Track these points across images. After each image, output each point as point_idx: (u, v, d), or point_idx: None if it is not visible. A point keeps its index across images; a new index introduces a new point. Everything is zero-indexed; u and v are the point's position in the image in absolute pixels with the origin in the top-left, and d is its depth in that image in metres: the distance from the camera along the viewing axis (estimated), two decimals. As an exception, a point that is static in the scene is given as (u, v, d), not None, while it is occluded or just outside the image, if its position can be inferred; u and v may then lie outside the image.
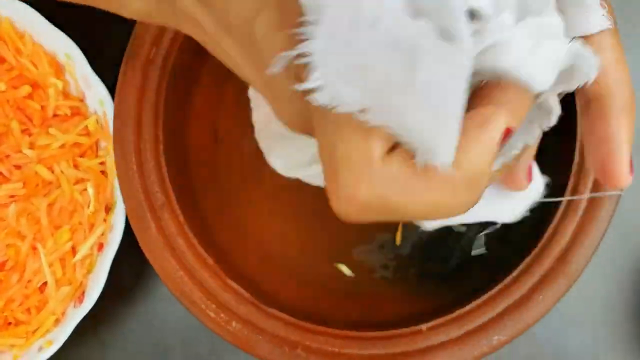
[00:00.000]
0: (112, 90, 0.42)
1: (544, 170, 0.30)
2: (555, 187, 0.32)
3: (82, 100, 0.45)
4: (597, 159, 0.22)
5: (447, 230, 0.41)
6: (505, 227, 0.33)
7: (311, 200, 0.36)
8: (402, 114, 0.17)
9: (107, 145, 0.44)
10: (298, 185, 0.36)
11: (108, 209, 0.43)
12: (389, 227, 0.43)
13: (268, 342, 0.35)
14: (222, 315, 0.35)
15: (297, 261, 0.42)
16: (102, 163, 0.44)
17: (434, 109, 0.17)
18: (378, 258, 0.42)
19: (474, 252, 0.40)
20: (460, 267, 0.41)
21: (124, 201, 0.37)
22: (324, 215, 0.36)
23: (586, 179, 0.34)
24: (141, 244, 0.36)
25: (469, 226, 0.41)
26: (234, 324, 0.35)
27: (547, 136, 0.26)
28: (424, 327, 0.34)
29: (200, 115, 0.41)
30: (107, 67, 0.42)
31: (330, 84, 0.17)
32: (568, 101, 0.25)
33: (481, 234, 0.41)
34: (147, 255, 0.36)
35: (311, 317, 0.35)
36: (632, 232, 0.44)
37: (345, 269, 0.42)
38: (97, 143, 0.45)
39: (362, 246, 0.42)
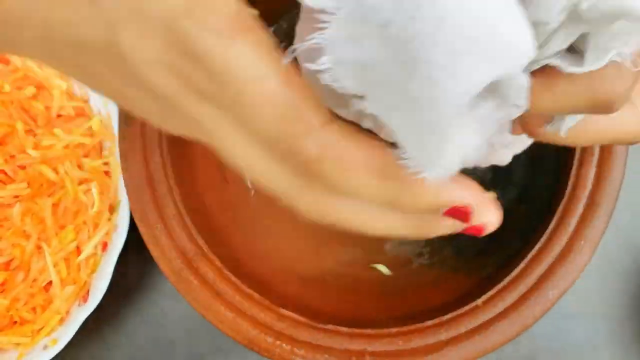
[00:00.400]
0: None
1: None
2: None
3: (86, 101, 0.45)
4: None
5: None
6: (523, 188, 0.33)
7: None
8: (393, 114, 0.18)
9: (110, 146, 0.44)
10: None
11: (112, 209, 0.44)
12: None
13: (337, 357, 0.35)
14: (283, 345, 0.35)
15: (335, 273, 0.42)
16: (105, 163, 0.44)
17: (420, 122, 0.17)
18: (411, 248, 0.43)
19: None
20: (492, 235, 0.41)
21: (160, 266, 0.36)
22: None
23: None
24: (188, 300, 0.36)
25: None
26: (296, 350, 0.35)
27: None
28: (479, 301, 0.35)
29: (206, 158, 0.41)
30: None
31: (335, 69, 0.17)
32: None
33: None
34: (196, 307, 0.36)
35: (362, 322, 0.36)
36: (631, 226, 0.45)
37: (382, 268, 0.43)
38: (101, 143, 0.45)
39: (391, 241, 0.43)
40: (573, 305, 0.45)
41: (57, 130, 0.44)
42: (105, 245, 0.44)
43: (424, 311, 0.36)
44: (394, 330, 0.35)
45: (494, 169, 0.39)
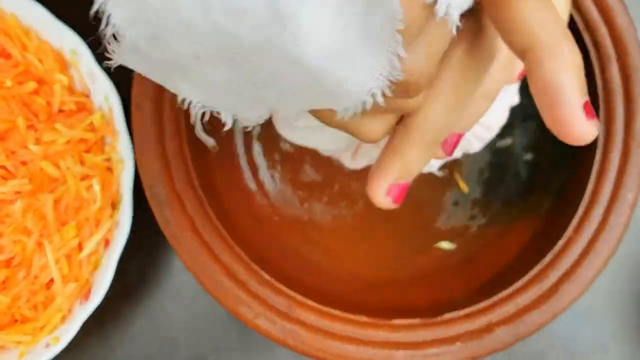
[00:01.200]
0: (117, 86, 0.42)
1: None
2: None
3: (87, 96, 0.44)
4: (546, 115, 0.20)
5: (493, 151, 0.42)
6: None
7: (374, 209, 0.37)
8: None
9: (112, 141, 0.43)
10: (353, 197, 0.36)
11: (114, 206, 0.43)
12: (446, 186, 0.43)
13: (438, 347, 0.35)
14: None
15: (398, 267, 0.43)
16: (107, 159, 0.44)
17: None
18: (462, 215, 0.43)
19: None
20: (532, 174, 0.41)
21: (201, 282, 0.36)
22: (391, 217, 0.39)
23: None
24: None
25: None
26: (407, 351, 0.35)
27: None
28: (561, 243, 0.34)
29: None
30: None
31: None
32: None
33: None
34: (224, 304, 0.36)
35: (445, 306, 0.36)
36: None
37: (445, 244, 0.43)
38: (102, 139, 0.45)
39: (440, 216, 0.43)
40: (584, 303, 0.44)
41: (58, 125, 0.43)
42: (107, 243, 0.44)
43: (501, 273, 0.37)
44: (481, 305, 0.35)
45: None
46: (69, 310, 0.43)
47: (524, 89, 0.40)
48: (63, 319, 0.43)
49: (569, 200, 0.37)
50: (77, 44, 0.42)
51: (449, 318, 0.35)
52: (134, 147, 0.38)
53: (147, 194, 0.36)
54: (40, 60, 0.44)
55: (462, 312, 0.35)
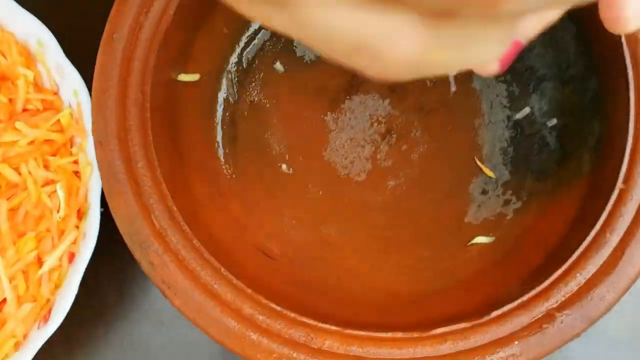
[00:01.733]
0: (86, 80, 0.37)
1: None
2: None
3: (55, 93, 0.40)
4: None
5: (512, 125, 0.38)
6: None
7: (392, 216, 0.37)
8: None
9: (81, 142, 0.38)
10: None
11: (81, 215, 0.37)
12: (469, 174, 0.38)
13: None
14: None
15: (430, 273, 0.38)
16: (75, 162, 0.38)
17: None
18: (494, 203, 0.38)
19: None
20: (561, 138, 0.37)
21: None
22: (413, 219, 0.38)
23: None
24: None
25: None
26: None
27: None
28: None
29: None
30: (82, 56, 0.37)
31: None
32: None
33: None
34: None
35: (499, 301, 0.30)
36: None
37: (483, 239, 0.38)
38: (71, 140, 0.39)
39: (469, 209, 0.38)
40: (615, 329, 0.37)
41: (19, 125, 0.38)
42: (71, 257, 0.37)
43: (551, 254, 0.32)
44: (533, 293, 0.30)
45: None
46: (24, 336, 0.36)
47: (528, 52, 0.37)
48: (17, 345, 0.36)
49: (610, 152, 0.31)
50: (44, 35, 0.38)
51: (500, 314, 0.28)
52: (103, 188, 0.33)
53: (126, 238, 0.30)
54: (2, 54, 0.39)
55: (513, 305, 0.29)
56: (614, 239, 0.29)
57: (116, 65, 0.32)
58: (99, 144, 0.30)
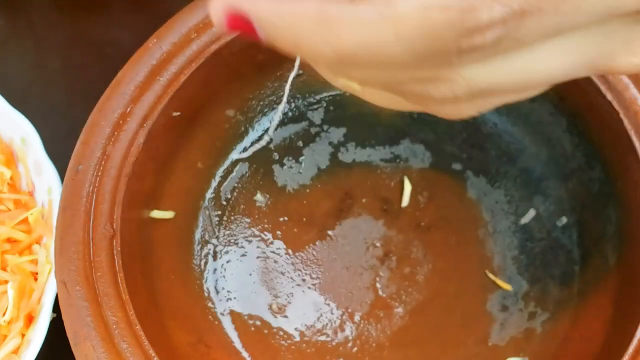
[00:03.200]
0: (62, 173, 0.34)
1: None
2: None
3: (31, 194, 0.37)
4: None
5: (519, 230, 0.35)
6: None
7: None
8: None
9: (47, 241, 0.34)
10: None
11: (29, 320, 0.32)
12: (484, 291, 0.34)
13: None
14: None
15: None
16: (33, 262, 0.34)
17: None
18: (518, 318, 0.34)
19: None
20: (577, 236, 0.34)
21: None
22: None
23: None
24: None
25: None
26: None
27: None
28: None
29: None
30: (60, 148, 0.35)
31: None
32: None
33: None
34: None
35: None
36: None
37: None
38: (38, 240, 0.35)
39: (492, 330, 0.34)
40: None
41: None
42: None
43: None
44: None
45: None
46: None
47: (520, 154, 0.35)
48: None
49: (635, 234, 0.28)
50: (29, 133, 0.37)
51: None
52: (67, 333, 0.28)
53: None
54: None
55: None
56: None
57: (82, 199, 0.28)
58: (62, 285, 0.26)
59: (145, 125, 0.31)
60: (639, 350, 0.26)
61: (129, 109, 0.31)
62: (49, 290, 0.31)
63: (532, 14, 0.13)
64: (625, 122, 0.29)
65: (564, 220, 0.34)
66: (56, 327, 0.30)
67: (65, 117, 0.42)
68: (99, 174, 0.29)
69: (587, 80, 0.30)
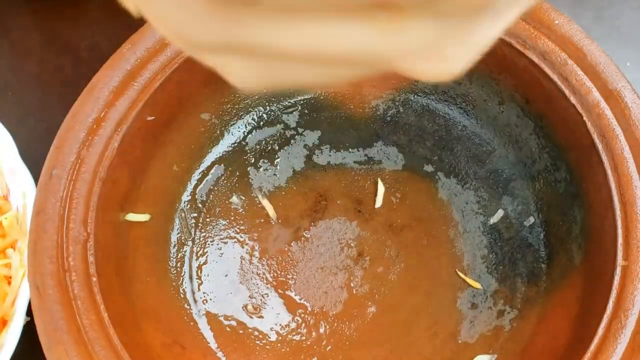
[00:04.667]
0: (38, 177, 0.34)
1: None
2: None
3: (6, 198, 0.37)
4: None
5: (488, 231, 0.32)
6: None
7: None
8: None
9: (22, 245, 0.34)
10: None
11: (3, 324, 0.32)
12: (454, 289, 0.35)
13: None
14: None
15: None
16: (7, 265, 0.34)
17: None
18: (487, 316, 0.34)
19: None
20: (544, 235, 0.31)
21: None
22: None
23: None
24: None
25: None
26: None
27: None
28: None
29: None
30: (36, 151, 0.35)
31: None
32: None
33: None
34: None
35: None
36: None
37: (484, 359, 0.33)
38: (13, 245, 0.35)
39: (462, 327, 0.34)
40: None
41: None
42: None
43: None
44: None
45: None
46: None
47: (489, 155, 0.36)
48: None
49: (599, 233, 0.29)
50: (4, 137, 0.37)
51: None
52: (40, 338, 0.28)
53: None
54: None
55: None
56: (630, 321, 0.26)
57: (56, 203, 0.29)
58: (35, 288, 0.26)
59: (119, 129, 0.31)
60: (601, 346, 0.27)
61: (103, 114, 0.31)
62: (23, 294, 0.32)
63: None
64: (589, 124, 0.30)
65: (532, 220, 0.35)
66: (30, 331, 0.30)
67: (42, 121, 0.42)
68: (73, 178, 0.29)
69: (552, 84, 0.31)
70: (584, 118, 0.30)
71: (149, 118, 0.33)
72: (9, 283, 0.34)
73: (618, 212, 0.28)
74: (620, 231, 0.27)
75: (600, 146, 0.29)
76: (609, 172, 0.28)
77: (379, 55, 0.12)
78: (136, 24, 0.36)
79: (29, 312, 0.30)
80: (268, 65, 0.13)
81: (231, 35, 0.12)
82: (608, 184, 0.28)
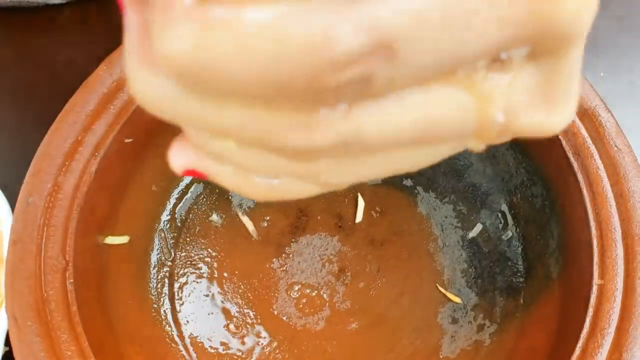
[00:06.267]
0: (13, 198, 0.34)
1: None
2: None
3: None
4: None
5: (467, 245, 0.33)
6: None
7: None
8: None
9: None
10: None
11: None
12: (434, 304, 0.35)
13: None
14: None
15: None
16: None
17: None
18: (468, 330, 0.35)
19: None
20: (521, 249, 0.31)
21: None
22: None
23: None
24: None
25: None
26: None
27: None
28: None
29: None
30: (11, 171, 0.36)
31: None
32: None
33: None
34: None
35: None
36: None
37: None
38: None
39: (443, 342, 0.34)
40: None
41: None
42: None
43: None
44: None
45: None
46: None
47: (467, 169, 0.36)
48: None
49: (575, 249, 0.30)
50: None
51: None
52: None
53: None
54: None
55: None
56: (607, 340, 0.26)
57: (33, 232, 0.28)
58: (13, 320, 0.26)
59: (97, 153, 0.31)
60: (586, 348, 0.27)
61: (80, 138, 0.31)
62: (1, 323, 0.31)
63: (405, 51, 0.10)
64: (564, 142, 0.30)
65: (510, 234, 0.35)
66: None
67: (16, 139, 0.42)
68: (50, 205, 0.29)
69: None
70: (559, 136, 0.30)
71: (127, 140, 0.32)
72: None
73: (593, 231, 0.28)
74: (595, 249, 0.28)
75: (575, 165, 0.30)
76: (584, 190, 0.29)
77: (487, 119, 0.12)
78: (113, 37, 0.35)
79: (7, 342, 0.29)
80: (359, 160, 0.13)
81: (343, 131, 0.12)
82: (583, 202, 0.29)
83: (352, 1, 0.10)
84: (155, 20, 0.11)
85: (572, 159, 0.30)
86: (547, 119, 0.13)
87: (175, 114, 0.12)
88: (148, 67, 0.12)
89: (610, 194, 0.29)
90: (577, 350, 0.27)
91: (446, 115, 0.12)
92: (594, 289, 0.27)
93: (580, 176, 0.29)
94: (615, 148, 0.29)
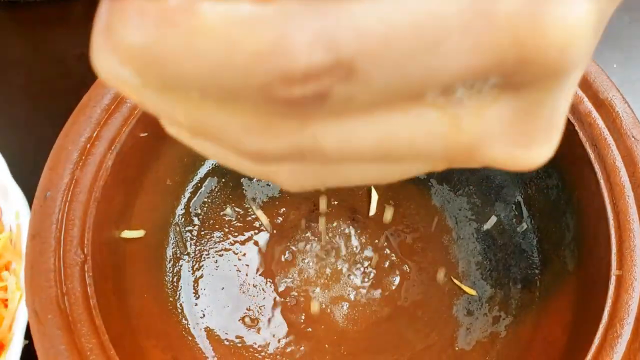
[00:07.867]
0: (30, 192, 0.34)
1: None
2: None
3: None
4: None
5: (481, 237, 0.32)
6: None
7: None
8: None
9: (17, 267, 0.34)
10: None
11: (1, 348, 0.32)
12: (450, 296, 0.35)
13: None
14: None
15: None
16: (2, 288, 0.33)
17: None
18: (483, 322, 0.35)
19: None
20: (537, 241, 0.31)
21: None
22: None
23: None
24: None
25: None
26: None
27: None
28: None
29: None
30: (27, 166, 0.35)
31: None
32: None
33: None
34: None
35: None
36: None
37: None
38: (7, 266, 0.35)
39: (459, 334, 0.34)
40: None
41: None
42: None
43: None
44: None
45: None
46: None
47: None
48: None
49: (592, 241, 0.30)
50: None
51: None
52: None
53: None
54: None
55: None
56: (626, 330, 0.26)
57: (51, 226, 0.29)
58: (34, 314, 0.26)
59: (113, 148, 0.31)
60: (598, 355, 0.27)
61: (96, 133, 0.31)
62: (20, 317, 0.31)
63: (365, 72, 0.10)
64: (580, 134, 0.30)
65: (524, 226, 0.35)
66: (29, 353, 0.30)
67: (31, 134, 0.42)
68: (68, 199, 0.29)
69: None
70: (576, 127, 0.30)
71: (142, 134, 0.32)
72: (6, 306, 0.34)
73: (611, 222, 0.28)
74: (614, 240, 0.28)
75: (592, 156, 0.30)
76: (601, 182, 0.29)
77: (456, 145, 0.11)
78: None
79: (27, 335, 0.30)
80: (322, 167, 0.12)
81: (297, 142, 0.11)
82: (601, 193, 0.29)
83: (316, 9, 0.09)
84: (115, 8, 0.10)
85: (589, 150, 0.30)
86: (523, 153, 0.12)
87: (132, 96, 0.12)
88: (109, 50, 0.11)
89: (628, 185, 0.28)
90: (597, 341, 0.27)
91: (412, 137, 0.11)
92: (612, 279, 0.27)
93: (597, 167, 0.29)
94: (633, 139, 0.29)
